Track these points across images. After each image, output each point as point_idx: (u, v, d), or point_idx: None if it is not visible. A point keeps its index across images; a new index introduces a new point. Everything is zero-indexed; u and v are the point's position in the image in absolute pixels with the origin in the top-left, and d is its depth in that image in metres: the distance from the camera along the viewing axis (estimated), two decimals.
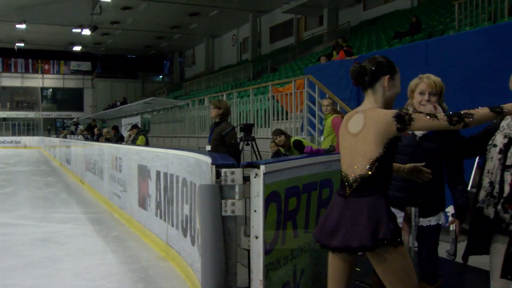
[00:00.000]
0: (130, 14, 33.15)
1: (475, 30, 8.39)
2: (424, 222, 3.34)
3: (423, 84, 3.27)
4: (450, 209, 3.53)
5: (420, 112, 2.54)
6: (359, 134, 2.57)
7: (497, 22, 11.74)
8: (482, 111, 2.47)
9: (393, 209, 2.95)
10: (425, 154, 3.26)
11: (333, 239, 2.54)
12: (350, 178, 2.57)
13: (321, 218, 2.70)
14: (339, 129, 2.83)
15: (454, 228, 3.30)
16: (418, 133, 3.30)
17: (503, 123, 2.92)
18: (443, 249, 3.40)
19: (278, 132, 7.28)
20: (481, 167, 3.06)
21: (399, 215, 3.28)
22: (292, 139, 7.27)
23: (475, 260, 3.36)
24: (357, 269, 4.69)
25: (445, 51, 7.45)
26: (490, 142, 2.95)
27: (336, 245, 2.53)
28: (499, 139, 2.92)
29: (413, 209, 3.31)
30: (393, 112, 2.52)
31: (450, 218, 3.35)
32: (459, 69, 7.13)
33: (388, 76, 2.65)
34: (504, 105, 2.52)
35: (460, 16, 13.75)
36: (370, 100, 2.66)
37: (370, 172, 2.52)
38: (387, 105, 2.68)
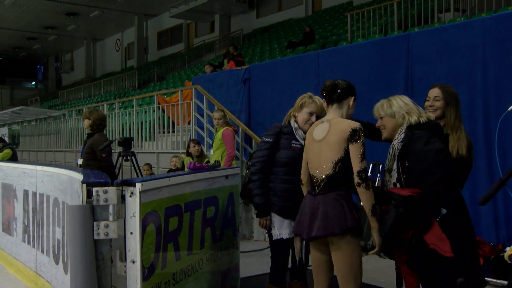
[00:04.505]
0: None
1: (365, 42, 8.85)
2: None
3: (314, 105, 3.92)
4: None
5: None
6: (323, 140, 3.19)
7: (387, 35, 12.49)
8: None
9: (286, 220, 3.89)
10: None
11: (310, 231, 3.13)
12: (319, 178, 3.19)
13: (297, 216, 3.33)
14: (305, 139, 3.45)
15: None
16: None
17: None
18: None
19: (196, 142, 7.66)
20: None
21: (291, 224, 3.85)
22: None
23: None
24: None
25: (336, 62, 7.79)
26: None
27: (314, 235, 3.10)
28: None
29: None
30: (353, 125, 3.12)
31: None
32: (349, 80, 7.51)
33: (353, 97, 3.35)
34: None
35: (353, 27, 14.45)
36: (336, 113, 3.27)
37: (334, 172, 3.13)
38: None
